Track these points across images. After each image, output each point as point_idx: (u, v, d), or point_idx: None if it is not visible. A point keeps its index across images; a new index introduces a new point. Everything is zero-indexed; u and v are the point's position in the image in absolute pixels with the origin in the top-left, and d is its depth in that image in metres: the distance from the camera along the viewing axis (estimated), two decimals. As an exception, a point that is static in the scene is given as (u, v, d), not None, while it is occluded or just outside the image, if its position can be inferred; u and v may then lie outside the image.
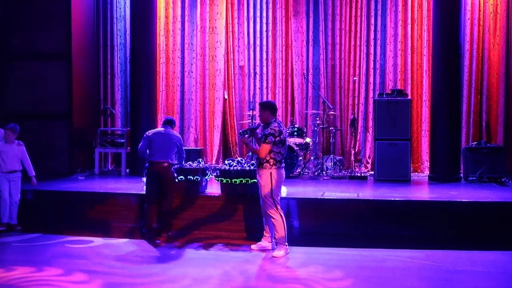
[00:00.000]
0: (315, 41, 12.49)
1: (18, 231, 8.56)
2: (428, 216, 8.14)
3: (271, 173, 7.18)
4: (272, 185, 7.18)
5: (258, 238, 7.58)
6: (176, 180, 8.38)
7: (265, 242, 7.51)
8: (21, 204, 9.07)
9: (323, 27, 12.40)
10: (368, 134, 12.24)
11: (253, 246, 7.54)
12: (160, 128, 8.34)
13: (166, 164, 8.05)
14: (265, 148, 7.13)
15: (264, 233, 7.53)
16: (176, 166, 8.40)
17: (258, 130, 7.47)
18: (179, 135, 8.35)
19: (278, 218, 7.23)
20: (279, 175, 7.24)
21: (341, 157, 11.90)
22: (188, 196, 8.62)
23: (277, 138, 7.15)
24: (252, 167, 8.44)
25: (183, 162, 8.51)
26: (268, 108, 7.34)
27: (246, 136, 7.45)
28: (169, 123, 8.37)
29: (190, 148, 12.16)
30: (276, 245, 7.35)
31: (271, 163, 7.18)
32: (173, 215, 8.29)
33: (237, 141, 12.75)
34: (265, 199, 7.25)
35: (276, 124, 7.27)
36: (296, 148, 10.81)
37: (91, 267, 6.77)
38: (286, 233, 7.27)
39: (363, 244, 7.66)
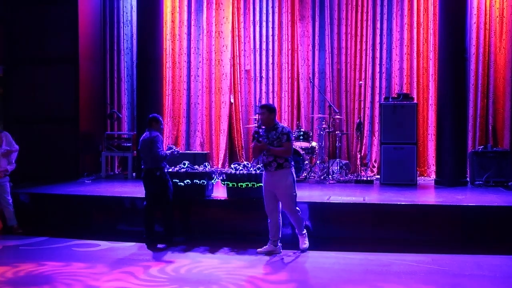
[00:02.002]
0: (321, 45, 12.50)
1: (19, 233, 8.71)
2: (434, 220, 8.13)
3: (292, 172, 7.42)
4: (294, 183, 7.41)
5: (264, 242, 7.59)
6: (168, 182, 8.14)
7: (271, 246, 7.53)
8: (28, 208, 9.15)
9: (329, 31, 12.42)
10: (374, 138, 12.24)
11: (259, 250, 7.55)
12: (144, 134, 8.20)
13: (146, 170, 8.03)
14: (291, 146, 7.37)
15: (270, 237, 7.54)
16: (166, 170, 8.23)
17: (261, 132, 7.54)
18: (154, 135, 7.99)
19: (299, 215, 7.52)
20: (294, 173, 7.55)
21: (347, 161, 11.89)
22: (194, 199, 8.63)
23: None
24: (258, 171, 8.46)
25: (159, 162, 8.00)
26: (273, 111, 7.48)
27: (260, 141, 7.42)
28: (148, 125, 8.16)
29: (196, 152, 12.21)
30: (299, 237, 7.64)
31: (289, 162, 7.39)
32: (174, 220, 8.17)
33: (243, 145, 12.77)
34: (288, 199, 7.39)
35: (284, 125, 7.58)
36: (302, 152, 10.82)
37: (97, 271, 6.80)
38: (304, 224, 7.67)
39: (369, 248, 7.66)
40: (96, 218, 8.99)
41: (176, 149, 8.44)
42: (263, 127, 7.50)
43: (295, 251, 7.55)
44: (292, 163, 7.44)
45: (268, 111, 7.42)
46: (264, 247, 7.56)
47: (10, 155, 8.86)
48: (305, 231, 7.69)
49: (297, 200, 8.29)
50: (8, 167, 8.83)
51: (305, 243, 7.62)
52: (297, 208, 7.57)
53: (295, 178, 7.47)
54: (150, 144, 7.95)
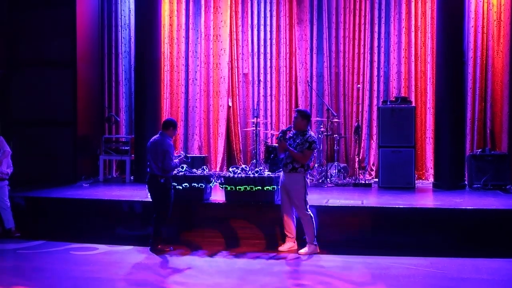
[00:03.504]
0: (319, 48, 12.50)
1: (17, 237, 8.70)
2: (433, 224, 8.13)
3: (304, 177, 7.63)
4: (306, 188, 7.65)
5: (262, 245, 7.61)
6: (170, 191, 7.92)
7: (290, 243, 7.78)
8: (26, 211, 9.12)
9: (327, 35, 12.42)
10: (372, 141, 12.24)
11: (280, 248, 7.77)
12: (155, 136, 8.02)
13: (151, 175, 7.83)
14: (309, 154, 7.62)
15: (287, 234, 7.79)
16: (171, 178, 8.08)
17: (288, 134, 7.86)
18: (167, 142, 7.79)
19: (309, 219, 7.62)
20: (308, 179, 7.91)
21: (345, 165, 11.89)
22: (193, 203, 8.62)
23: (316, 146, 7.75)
24: (256, 175, 8.46)
25: (168, 172, 7.84)
26: (307, 117, 7.88)
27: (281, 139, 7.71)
28: (163, 127, 7.98)
29: (194, 155, 12.20)
30: (307, 244, 7.66)
31: (305, 168, 7.63)
32: (162, 229, 7.92)
33: (241, 148, 12.76)
34: (298, 202, 7.63)
35: (313, 133, 7.84)
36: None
37: (95, 275, 6.78)
38: (315, 233, 7.68)
39: (368, 252, 7.66)
40: (94, 221, 8.95)
41: (184, 155, 8.43)
42: (294, 130, 7.82)
43: (295, 254, 7.56)
44: (309, 170, 7.82)
45: (300, 116, 7.79)
46: (284, 245, 7.79)
47: (9, 158, 8.86)
48: (315, 242, 7.66)
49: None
50: (8, 170, 8.84)
51: (306, 251, 7.61)
52: (310, 213, 7.67)
53: (307, 184, 7.75)
54: (163, 153, 7.71)
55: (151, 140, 8.01)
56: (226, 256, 7.66)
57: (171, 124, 8.00)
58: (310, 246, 7.63)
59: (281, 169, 8.06)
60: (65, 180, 11.16)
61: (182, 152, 8.67)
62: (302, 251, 7.62)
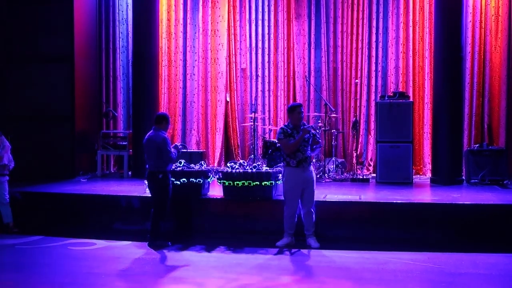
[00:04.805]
0: (317, 43, 12.50)
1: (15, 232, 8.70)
2: (430, 219, 8.15)
3: None
4: None
5: (259, 240, 7.62)
6: (168, 187, 7.90)
7: (288, 238, 7.76)
8: (24, 206, 9.12)
9: (325, 30, 12.41)
10: (370, 136, 12.25)
11: (278, 243, 7.73)
12: (150, 132, 7.97)
13: (150, 172, 7.85)
14: None
15: (289, 231, 7.77)
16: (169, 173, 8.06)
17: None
18: (162, 136, 7.78)
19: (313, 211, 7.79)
20: None
21: (343, 160, 11.90)
22: (191, 198, 8.62)
23: None
24: (254, 170, 8.47)
25: (170, 166, 7.96)
26: None
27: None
28: (156, 121, 7.94)
29: (192, 150, 12.20)
30: (312, 236, 7.76)
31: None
32: (159, 224, 7.90)
33: (239, 143, 12.76)
34: (314, 193, 7.79)
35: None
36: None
37: (93, 270, 6.79)
38: (314, 227, 7.82)
39: (365, 247, 7.67)
40: (92, 217, 8.97)
41: (180, 145, 8.41)
42: (291, 125, 7.75)
43: (292, 249, 7.57)
44: None
45: (302, 111, 7.80)
46: (282, 240, 7.76)
47: (9, 153, 8.86)
48: (314, 236, 7.78)
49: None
50: (9, 165, 8.84)
51: (308, 244, 7.69)
52: None
53: None
54: (159, 148, 7.72)
55: (146, 136, 7.99)
56: (224, 252, 7.66)
57: (163, 118, 8.01)
58: (309, 240, 7.67)
59: (280, 166, 8.03)
60: (63, 175, 11.16)
61: (177, 144, 8.62)
62: (305, 245, 7.65)
